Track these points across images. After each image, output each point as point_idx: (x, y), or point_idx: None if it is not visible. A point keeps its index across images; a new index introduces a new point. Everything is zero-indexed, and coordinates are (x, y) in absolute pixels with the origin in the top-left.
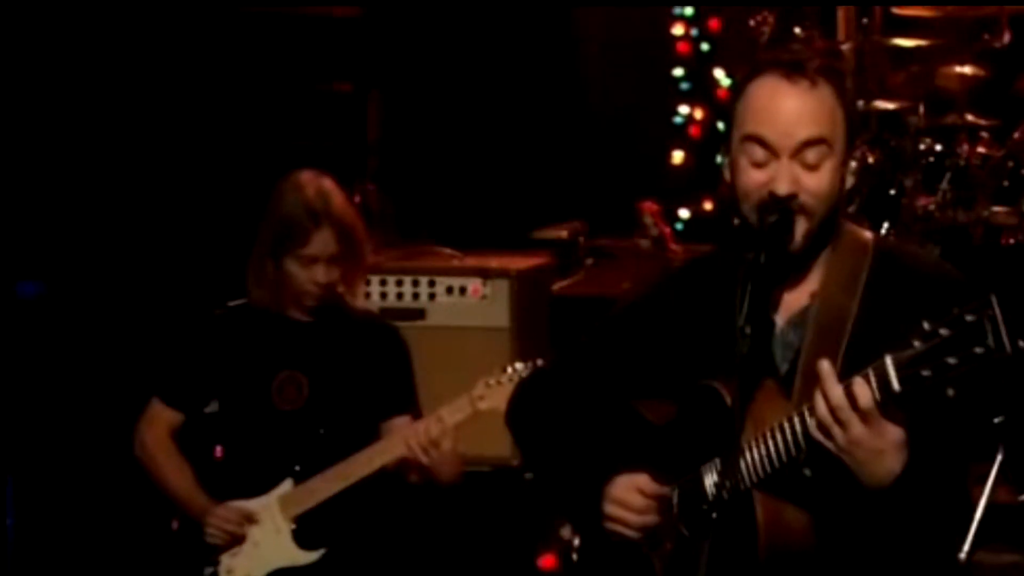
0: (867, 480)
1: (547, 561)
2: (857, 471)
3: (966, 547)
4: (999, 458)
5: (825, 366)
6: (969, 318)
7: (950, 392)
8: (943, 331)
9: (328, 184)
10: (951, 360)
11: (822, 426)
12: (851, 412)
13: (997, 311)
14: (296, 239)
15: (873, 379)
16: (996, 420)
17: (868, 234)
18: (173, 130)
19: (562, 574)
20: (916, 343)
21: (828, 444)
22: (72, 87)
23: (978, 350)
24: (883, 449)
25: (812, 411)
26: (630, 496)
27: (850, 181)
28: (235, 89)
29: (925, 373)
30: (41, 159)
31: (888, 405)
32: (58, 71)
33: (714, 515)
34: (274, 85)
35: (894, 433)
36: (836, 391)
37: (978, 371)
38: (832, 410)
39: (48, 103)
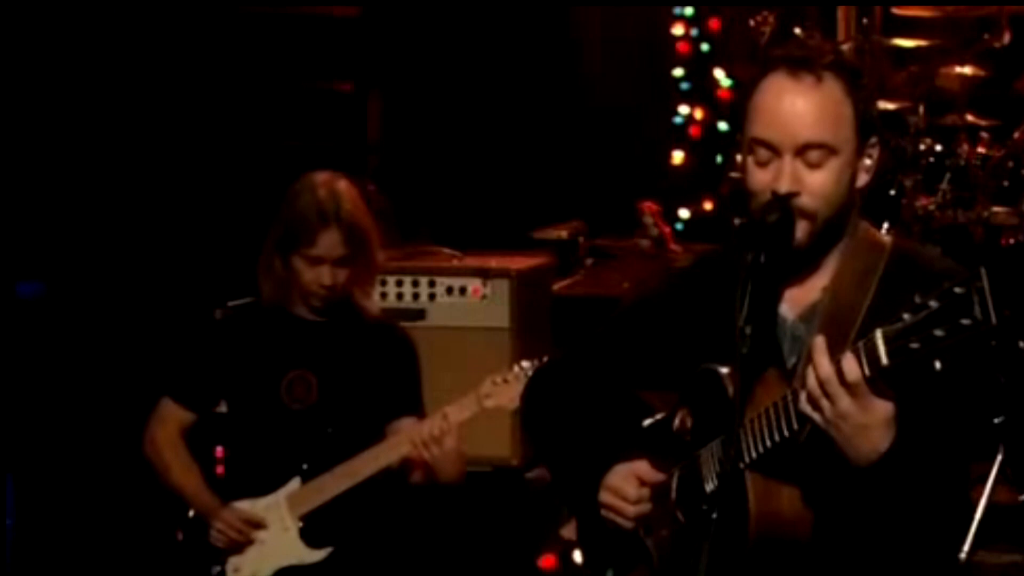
0: (852, 456)
1: (547, 561)
2: (843, 446)
3: (966, 547)
4: (999, 458)
5: (818, 340)
6: (958, 290)
7: (937, 365)
8: (932, 303)
9: (342, 186)
10: (939, 332)
11: (811, 399)
12: (839, 386)
13: (986, 284)
14: (304, 238)
15: (863, 352)
16: (996, 420)
17: (886, 234)
18: (173, 130)
19: (562, 574)
20: (906, 316)
21: (815, 417)
22: (73, 87)
23: (965, 321)
24: (869, 424)
25: (803, 385)
26: (626, 485)
27: (864, 179)
28: (235, 89)
29: (914, 346)
30: (41, 159)
31: (877, 380)
32: (58, 71)
33: (714, 515)
34: (274, 84)
35: (882, 409)
36: (825, 364)
37: (966, 344)
38: (821, 383)
39: (48, 103)
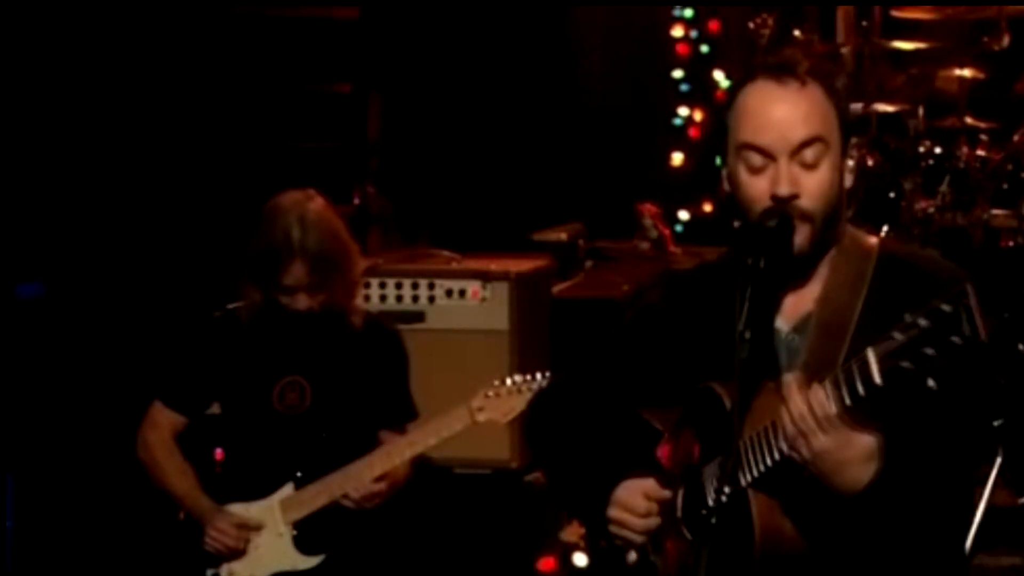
0: (835, 488)
1: (546, 564)
2: (824, 480)
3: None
4: (998, 461)
5: (789, 379)
6: (945, 308)
7: (931, 383)
8: (922, 322)
9: (312, 210)
10: (929, 351)
11: (788, 438)
12: (813, 423)
13: (973, 300)
14: (272, 271)
15: (856, 371)
16: (995, 423)
17: (872, 237)
18: (173, 132)
19: None
20: (897, 335)
21: (794, 456)
22: (73, 88)
23: (955, 340)
24: (848, 460)
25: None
26: (634, 500)
27: (849, 180)
28: (235, 91)
29: (906, 365)
30: (41, 160)
31: (856, 412)
32: (59, 72)
33: (713, 520)
34: (274, 87)
35: (860, 444)
36: (799, 402)
37: (957, 362)
38: (795, 421)
39: (48, 104)
